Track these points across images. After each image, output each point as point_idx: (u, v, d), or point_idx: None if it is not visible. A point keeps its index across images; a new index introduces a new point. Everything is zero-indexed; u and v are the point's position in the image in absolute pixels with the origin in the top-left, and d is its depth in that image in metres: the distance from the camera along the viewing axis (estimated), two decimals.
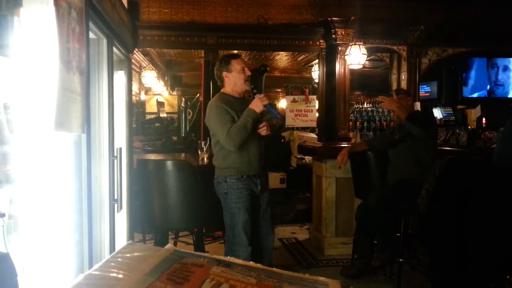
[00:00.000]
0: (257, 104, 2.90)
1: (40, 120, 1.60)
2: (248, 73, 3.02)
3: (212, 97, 5.47)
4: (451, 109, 7.18)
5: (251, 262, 0.92)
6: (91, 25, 2.21)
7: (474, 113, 6.74)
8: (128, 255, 0.86)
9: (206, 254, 0.93)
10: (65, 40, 1.66)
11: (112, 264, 0.81)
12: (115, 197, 2.62)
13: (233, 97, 3.04)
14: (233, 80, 3.01)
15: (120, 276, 0.77)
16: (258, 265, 0.91)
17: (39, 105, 1.60)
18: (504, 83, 7.17)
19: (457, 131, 5.59)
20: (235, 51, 6.02)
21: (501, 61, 7.13)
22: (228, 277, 0.82)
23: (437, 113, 7.11)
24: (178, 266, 0.84)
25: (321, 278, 0.89)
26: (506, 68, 7.15)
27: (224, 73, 3.02)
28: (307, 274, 0.90)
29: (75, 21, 1.83)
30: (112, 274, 0.77)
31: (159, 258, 0.86)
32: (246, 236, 2.93)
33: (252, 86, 3.21)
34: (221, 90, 3.11)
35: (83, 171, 1.92)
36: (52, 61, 1.56)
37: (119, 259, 0.83)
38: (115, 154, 2.64)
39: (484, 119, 6.22)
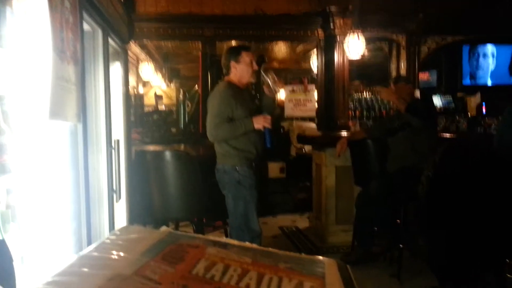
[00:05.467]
0: (259, 121, 2.91)
1: (35, 109, 1.60)
2: (255, 67, 3.04)
3: (211, 88, 5.44)
4: (450, 97, 7.15)
5: (247, 242, 0.92)
6: (85, 16, 2.21)
7: (473, 101, 6.73)
8: (123, 236, 0.86)
9: (202, 236, 0.93)
10: (58, 30, 1.65)
11: (107, 245, 0.81)
12: (114, 188, 2.63)
13: (238, 86, 3.05)
14: (240, 72, 3.02)
15: (115, 257, 0.77)
16: (254, 246, 0.91)
17: (34, 95, 1.60)
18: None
19: (457, 118, 5.58)
20: (233, 42, 5.99)
21: (481, 48, 7.10)
22: (223, 257, 0.82)
23: (437, 101, 7.10)
24: (173, 247, 0.84)
25: (318, 257, 0.89)
26: (485, 55, 7.12)
27: (232, 63, 3.02)
28: (303, 254, 0.90)
29: (69, 11, 1.82)
30: (107, 255, 0.77)
31: (155, 240, 0.86)
32: (258, 221, 2.98)
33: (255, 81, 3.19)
34: (226, 78, 3.10)
35: (79, 161, 1.92)
36: (46, 51, 1.56)
37: (115, 241, 0.83)
38: (113, 145, 2.64)
39: (484, 105, 6.21)
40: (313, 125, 6.50)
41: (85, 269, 0.71)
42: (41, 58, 1.58)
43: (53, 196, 1.75)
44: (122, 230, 0.90)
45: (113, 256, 0.76)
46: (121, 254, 0.77)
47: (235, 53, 3.04)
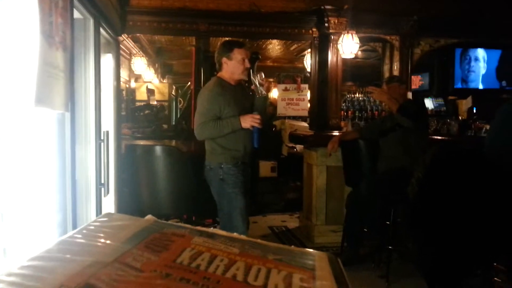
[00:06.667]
0: (246, 121, 2.87)
1: (21, 96, 1.55)
2: (247, 65, 2.97)
3: (203, 84, 5.42)
4: (442, 100, 7.18)
5: (235, 233, 0.89)
6: (77, 3, 2.16)
7: (465, 104, 6.76)
8: (105, 223, 0.82)
9: (188, 226, 0.89)
10: (47, 14, 1.61)
11: (89, 231, 0.77)
12: (102, 181, 2.58)
13: (229, 83, 3.00)
14: (231, 69, 2.96)
15: (96, 243, 0.73)
16: (243, 237, 0.88)
17: (20, 80, 1.55)
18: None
19: (448, 121, 5.60)
20: (227, 38, 5.95)
21: (472, 52, 7.12)
22: (210, 247, 0.79)
23: (429, 103, 7.12)
24: (157, 235, 0.80)
25: (308, 250, 0.86)
26: (476, 59, 7.14)
27: (224, 59, 2.97)
28: (293, 246, 0.87)
29: None
30: (87, 241, 0.73)
31: (139, 227, 0.82)
32: (244, 222, 2.92)
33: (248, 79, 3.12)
34: (218, 74, 3.05)
35: (66, 151, 1.87)
36: (33, 35, 1.51)
37: (98, 227, 0.80)
38: (102, 137, 2.59)
39: (475, 109, 6.23)
40: (305, 124, 6.49)
41: (63, 255, 0.67)
42: (28, 42, 1.53)
43: (38, 187, 1.71)
44: (106, 216, 0.87)
45: (94, 242, 0.73)
46: (103, 240, 0.74)
47: (227, 49, 2.98)
